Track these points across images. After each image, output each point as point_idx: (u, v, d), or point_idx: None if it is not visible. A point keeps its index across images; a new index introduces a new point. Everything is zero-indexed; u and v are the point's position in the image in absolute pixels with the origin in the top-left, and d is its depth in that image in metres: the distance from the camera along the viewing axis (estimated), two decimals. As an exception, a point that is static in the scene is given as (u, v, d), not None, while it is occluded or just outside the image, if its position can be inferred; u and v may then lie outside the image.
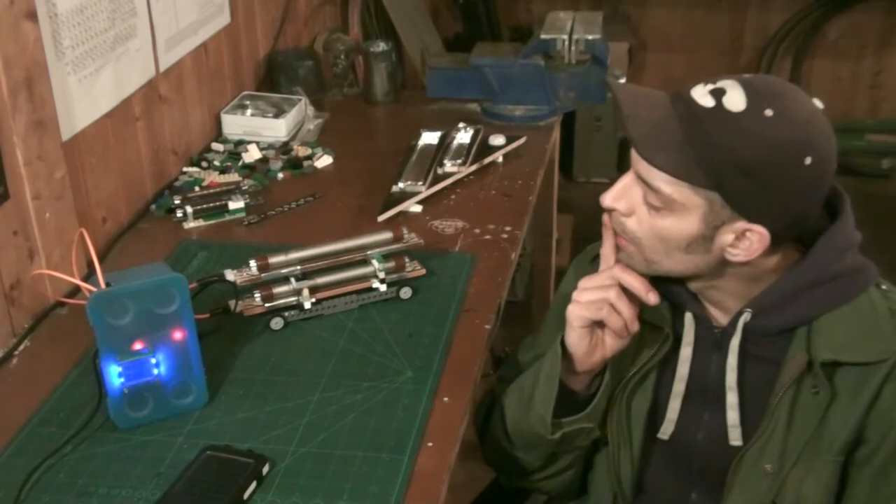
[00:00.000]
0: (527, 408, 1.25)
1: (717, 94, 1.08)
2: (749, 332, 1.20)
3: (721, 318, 1.23)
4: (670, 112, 1.10)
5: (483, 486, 1.56)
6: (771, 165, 1.05)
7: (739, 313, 1.20)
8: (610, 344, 1.20)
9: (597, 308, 1.17)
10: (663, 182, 1.09)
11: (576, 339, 1.19)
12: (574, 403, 1.24)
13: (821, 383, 1.16)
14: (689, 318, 1.24)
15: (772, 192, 1.07)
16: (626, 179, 1.16)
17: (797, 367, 1.16)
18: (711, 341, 1.24)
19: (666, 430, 1.28)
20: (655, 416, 1.28)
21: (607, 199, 1.17)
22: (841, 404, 1.16)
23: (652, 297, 1.16)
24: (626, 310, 1.17)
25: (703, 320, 1.24)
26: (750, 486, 1.21)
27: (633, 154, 1.13)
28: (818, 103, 1.11)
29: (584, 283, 1.19)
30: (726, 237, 1.11)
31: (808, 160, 1.06)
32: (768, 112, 1.05)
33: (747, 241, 1.11)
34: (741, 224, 1.10)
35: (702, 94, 1.09)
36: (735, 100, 1.07)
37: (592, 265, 1.35)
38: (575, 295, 1.19)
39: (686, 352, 1.25)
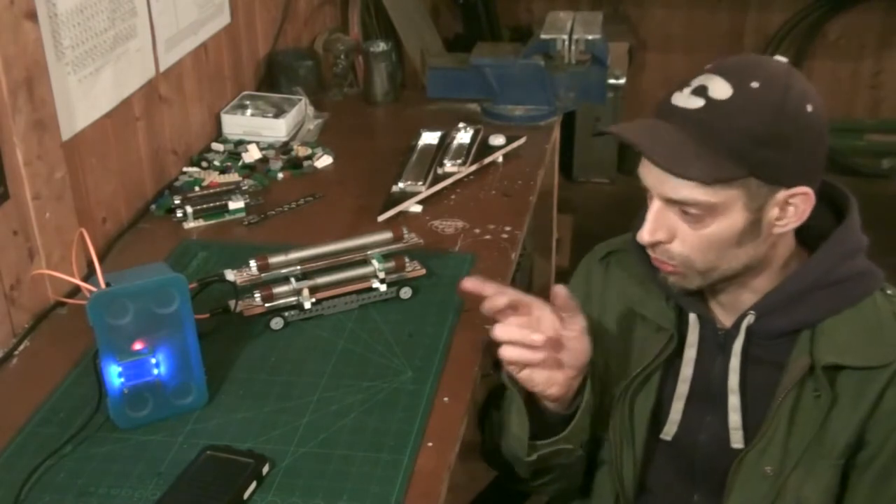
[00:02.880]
0: (506, 429, 1.26)
1: (701, 91, 1.09)
2: (752, 335, 1.20)
3: (725, 320, 1.23)
4: (669, 128, 1.10)
5: (483, 486, 1.56)
6: (784, 127, 1.07)
7: (743, 315, 1.20)
8: (566, 373, 1.17)
9: (513, 371, 1.16)
10: (698, 193, 1.09)
11: (527, 385, 1.18)
12: (555, 422, 1.24)
13: (822, 386, 1.15)
14: (693, 319, 1.24)
15: (796, 151, 1.09)
16: (654, 208, 1.14)
17: (799, 370, 1.16)
18: (715, 343, 1.23)
19: (669, 431, 1.28)
20: (659, 416, 1.28)
21: (645, 235, 1.15)
22: (842, 408, 1.16)
23: (536, 338, 1.13)
24: (537, 359, 1.13)
25: (708, 322, 1.24)
26: (750, 489, 1.21)
27: (652, 181, 1.12)
28: (782, 59, 1.14)
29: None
30: (771, 213, 1.11)
31: (808, 108, 1.09)
32: (754, 84, 1.08)
33: (793, 207, 1.12)
34: (782, 194, 1.10)
35: (686, 99, 1.10)
36: (720, 89, 1.08)
37: (601, 264, 1.35)
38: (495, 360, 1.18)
39: (690, 353, 1.24)
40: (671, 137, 1.10)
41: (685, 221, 1.13)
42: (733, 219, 1.10)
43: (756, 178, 1.08)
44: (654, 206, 1.14)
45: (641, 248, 1.27)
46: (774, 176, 1.09)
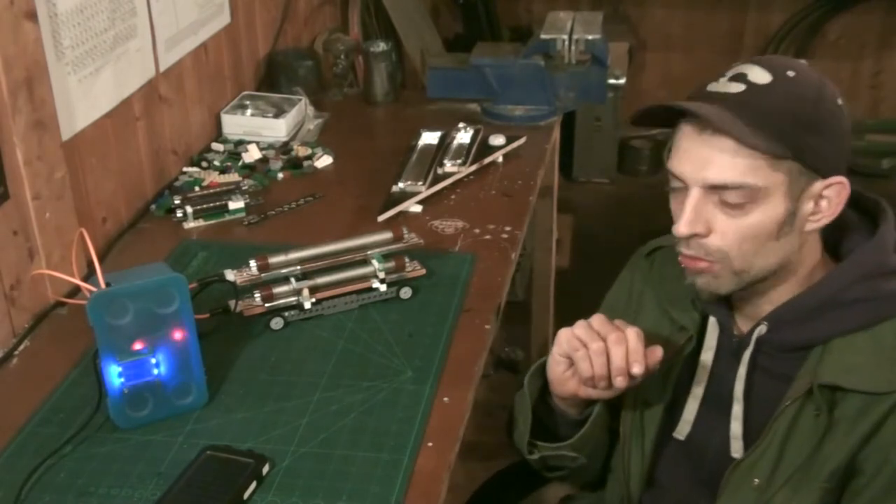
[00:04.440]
0: (515, 421, 1.27)
1: (740, 77, 1.10)
2: (763, 345, 1.19)
3: (744, 328, 1.22)
4: (712, 107, 1.09)
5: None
6: (823, 115, 1.09)
7: (757, 324, 1.19)
8: (585, 389, 1.19)
9: (575, 346, 1.16)
10: (745, 174, 1.07)
11: (552, 361, 1.21)
12: (566, 423, 1.24)
13: (821, 406, 1.12)
14: (712, 323, 1.24)
15: (835, 140, 1.10)
16: (693, 199, 1.11)
17: (801, 386, 1.14)
18: (730, 350, 1.23)
19: (682, 430, 1.27)
20: (673, 414, 1.27)
21: (682, 227, 1.11)
22: (839, 431, 1.12)
23: (630, 375, 1.13)
24: (599, 368, 1.14)
25: (727, 328, 1.23)
26: (736, 498, 1.19)
27: (692, 167, 1.10)
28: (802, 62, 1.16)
29: (596, 318, 1.17)
30: (807, 206, 1.11)
31: (839, 100, 1.11)
32: (791, 73, 1.10)
33: (825, 200, 1.12)
34: (817, 185, 1.10)
35: (725, 85, 1.10)
36: (759, 75, 1.09)
37: (647, 260, 1.34)
38: (579, 322, 1.17)
39: (707, 356, 1.24)
40: (720, 113, 1.08)
41: (724, 212, 1.11)
42: (775, 207, 1.09)
43: (800, 163, 1.08)
44: (693, 197, 1.11)
45: None
46: (814, 162, 1.09)
